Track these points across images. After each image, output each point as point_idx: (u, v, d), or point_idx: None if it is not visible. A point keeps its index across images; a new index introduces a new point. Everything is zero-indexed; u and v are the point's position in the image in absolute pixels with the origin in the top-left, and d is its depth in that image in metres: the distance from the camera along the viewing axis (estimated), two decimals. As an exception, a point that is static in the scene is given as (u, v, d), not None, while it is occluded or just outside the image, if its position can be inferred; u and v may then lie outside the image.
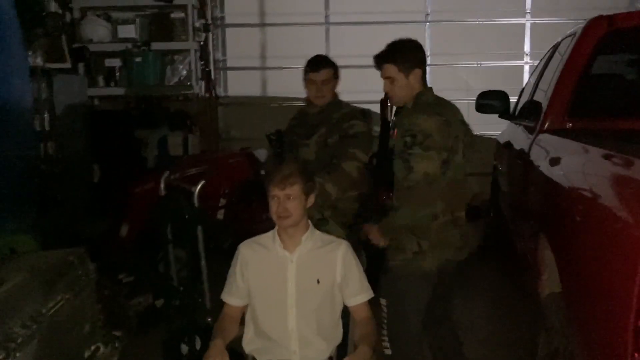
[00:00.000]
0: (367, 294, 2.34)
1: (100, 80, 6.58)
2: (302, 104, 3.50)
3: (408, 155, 2.47)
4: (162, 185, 3.38)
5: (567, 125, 3.22)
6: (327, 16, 7.56)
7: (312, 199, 2.33)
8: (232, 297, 2.36)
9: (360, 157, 3.07)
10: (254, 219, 4.75)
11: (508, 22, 7.57)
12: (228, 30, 7.71)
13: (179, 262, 3.41)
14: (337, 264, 2.29)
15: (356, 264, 2.34)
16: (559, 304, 2.30)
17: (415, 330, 2.68)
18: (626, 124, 3.16)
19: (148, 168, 6.10)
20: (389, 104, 4.78)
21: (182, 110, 6.72)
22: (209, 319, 3.09)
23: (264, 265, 2.32)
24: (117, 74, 6.58)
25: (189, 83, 6.75)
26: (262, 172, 3.46)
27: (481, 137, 2.85)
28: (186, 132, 6.40)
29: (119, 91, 6.55)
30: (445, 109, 2.64)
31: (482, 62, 7.39)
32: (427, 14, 7.53)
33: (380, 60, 2.65)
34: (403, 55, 2.62)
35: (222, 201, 4.91)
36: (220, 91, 7.55)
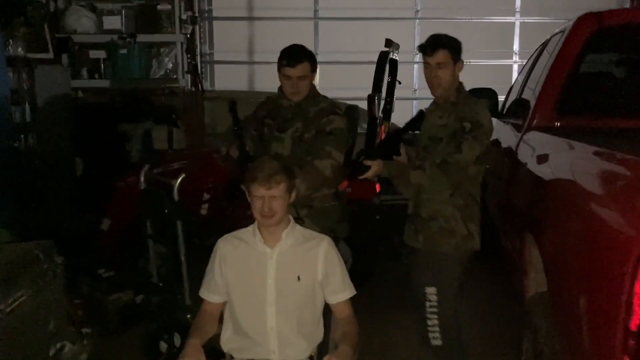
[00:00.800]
0: (349, 291, 2.28)
1: (85, 72, 6.48)
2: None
3: (462, 138, 2.61)
4: (141, 179, 3.31)
5: (555, 123, 3.19)
6: (316, 11, 7.51)
7: (293, 196, 2.27)
8: (210, 293, 2.29)
9: (336, 156, 2.92)
10: (239, 215, 4.67)
11: (498, 21, 7.57)
12: (215, 24, 7.64)
13: (159, 258, 3.34)
14: (319, 261, 2.23)
15: (338, 260, 2.29)
16: (545, 303, 2.27)
17: (458, 314, 2.80)
18: (614, 122, 3.13)
19: (132, 162, 6.01)
20: (376, 101, 4.74)
21: (168, 103, 6.63)
22: (189, 316, 3.03)
23: (243, 261, 2.25)
24: (102, 66, 6.49)
25: (174, 76, 6.69)
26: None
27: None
28: (171, 126, 6.31)
29: (104, 83, 6.47)
30: None
31: (471, 60, 7.38)
32: (417, 11, 7.51)
33: (436, 45, 2.72)
34: (455, 44, 2.74)
35: (206, 196, 4.83)
36: (206, 85, 7.48)
